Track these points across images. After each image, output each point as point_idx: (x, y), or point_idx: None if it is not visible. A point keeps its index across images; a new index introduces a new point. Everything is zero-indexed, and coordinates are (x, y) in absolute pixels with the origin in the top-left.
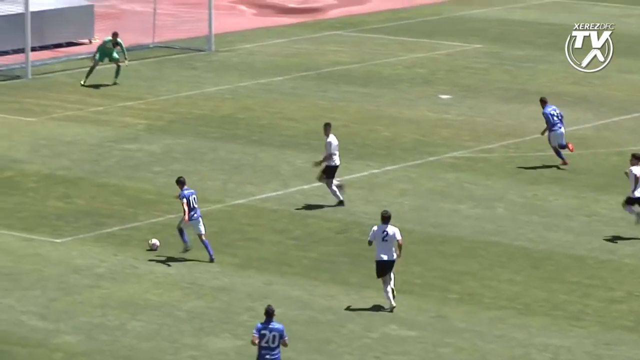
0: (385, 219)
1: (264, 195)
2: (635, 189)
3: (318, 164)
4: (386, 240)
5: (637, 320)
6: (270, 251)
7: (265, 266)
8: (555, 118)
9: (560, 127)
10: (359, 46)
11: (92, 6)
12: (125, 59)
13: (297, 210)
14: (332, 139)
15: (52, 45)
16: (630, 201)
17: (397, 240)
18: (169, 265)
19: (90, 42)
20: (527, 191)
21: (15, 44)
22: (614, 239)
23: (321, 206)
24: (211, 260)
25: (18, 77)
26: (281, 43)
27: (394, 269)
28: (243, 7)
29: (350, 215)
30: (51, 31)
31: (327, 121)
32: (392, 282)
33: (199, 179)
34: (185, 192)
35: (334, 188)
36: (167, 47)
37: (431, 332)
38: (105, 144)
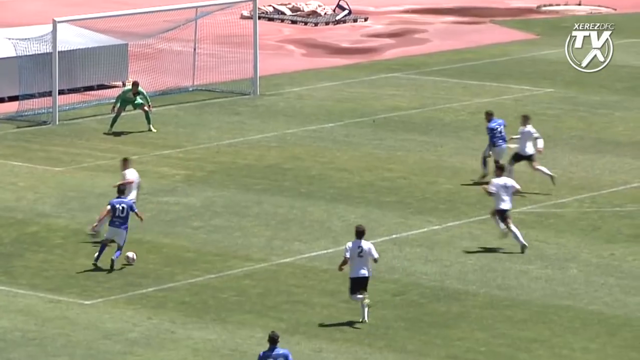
0: (359, 233)
1: (313, 254)
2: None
3: None
4: (362, 256)
5: None
6: (320, 315)
7: (314, 332)
8: (498, 134)
9: (503, 143)
10: (418, 90)
11: (126, 45)
12: (150, 105)
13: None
14: None
15: (82, 88)
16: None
17: (374, 258)
18: (209, 330)
19: (124, 84)
20: (603, 250)
21: (42, 87)
22: None
23: (376, 266)
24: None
25: (45, 122)
26: (333, 86)
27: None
28: (291, 47)
29: (408, 276)
30: (81, 72)
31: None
32: (366, 299)
33: (242, 235)
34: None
35: None
36: (208, 91)
37: None
38: (140, 196)
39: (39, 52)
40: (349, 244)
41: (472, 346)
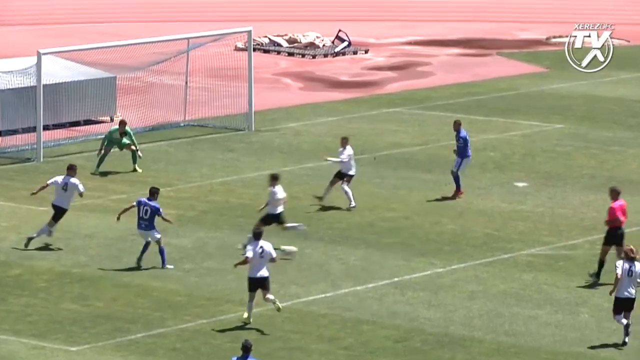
0: (257, 235)
1: (310, 298)
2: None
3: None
4: (263, 257)
5: None
6: None
7: None
8: (469, 143)
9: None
10: (421, 125)
11: (114, 78)
12: (136, 147)
13: (349, 315)
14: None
15: (68, 123)
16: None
17: (273, 258)
18: None
19: (112, 119)
20: None
21: (25, 122)
22: None
23: (377, 311)
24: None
25: (28, 159)
26: (332, 122)
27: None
28: (288, 81)
29: (411, 321)
30: (67, 107)
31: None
32: (270, 295)
33: (236, 278)
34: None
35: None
36: (201, 126)
37: None
38: (129, 237)
39: (23, 86)
40: (249, 246)
41: None
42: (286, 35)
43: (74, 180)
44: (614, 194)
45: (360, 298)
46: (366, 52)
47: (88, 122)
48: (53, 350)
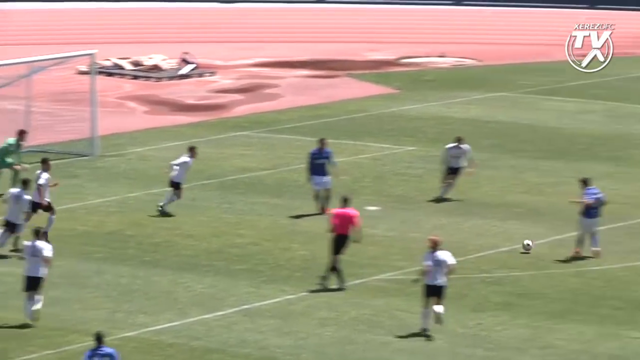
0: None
1: (158, 327)
2: None
3: None
4: (36, 256)
5: None
6: None
7: None
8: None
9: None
10: (270, 149)
11: None
12: (20, 162)
13: (197, 344)
14: None
15: None
16: None
17: (46, 258)
18: None
19: None
20: (469, 319)
21: None
22: None
23: (226, 340)
24: None
25: None
26: (178, 146)
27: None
28: (133, 104)
29: (261, 349)
30: None
31: None
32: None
33: (82, 308)
34: None
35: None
36: (43, 152)
37: None
38: None
39: None
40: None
41: None
42: (130, 58)
43: None
44: None
45: (209, 327)
46: (212, 74)
47: None
48: None
